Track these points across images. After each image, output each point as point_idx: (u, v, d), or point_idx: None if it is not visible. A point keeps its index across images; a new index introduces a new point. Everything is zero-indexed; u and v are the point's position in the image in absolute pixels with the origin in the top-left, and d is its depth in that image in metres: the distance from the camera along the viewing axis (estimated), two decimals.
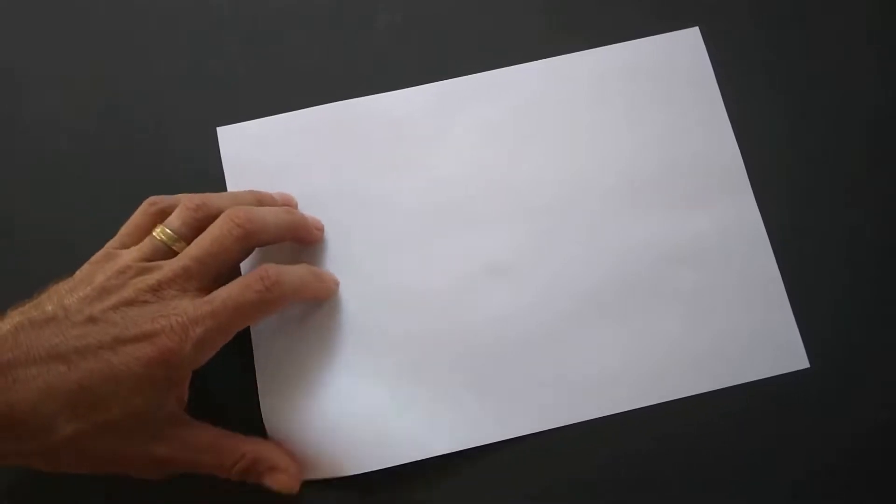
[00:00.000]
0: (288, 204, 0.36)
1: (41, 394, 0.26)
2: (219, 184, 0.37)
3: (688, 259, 0.33)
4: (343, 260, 0.35)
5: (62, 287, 0.29)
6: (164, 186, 0.34)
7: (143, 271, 0.29)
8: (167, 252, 0.31)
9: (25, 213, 0.37)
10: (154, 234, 0.31)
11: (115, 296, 0.29)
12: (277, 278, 0.30)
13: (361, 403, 0.32)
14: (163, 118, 0.38)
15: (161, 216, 0.32)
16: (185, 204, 0.32)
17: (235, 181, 0.36)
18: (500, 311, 0.33)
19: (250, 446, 0.31)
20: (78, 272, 0.30)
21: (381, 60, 0.38)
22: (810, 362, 0.33)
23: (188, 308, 0.28)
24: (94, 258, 0.31)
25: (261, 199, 0.35)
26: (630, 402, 0.32)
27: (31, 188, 0.37)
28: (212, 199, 0.33)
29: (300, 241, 0.35)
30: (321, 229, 0.35)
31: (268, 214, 0.32)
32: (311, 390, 0.32)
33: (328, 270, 0.34)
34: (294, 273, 0.32)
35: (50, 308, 0.28)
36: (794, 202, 0.35)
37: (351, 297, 0.34)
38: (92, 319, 0.28)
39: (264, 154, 0.36)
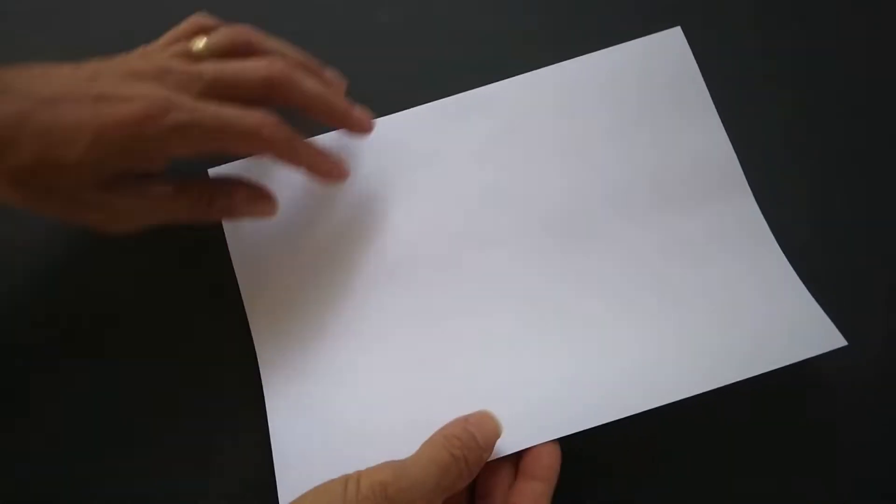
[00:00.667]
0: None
1: (15, 117, 0.28)
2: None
3: (696, 257, 0.34)
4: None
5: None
6: None
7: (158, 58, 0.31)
8: (193, 59, 0.32)
9: None
10: (193, 41, 0.32)
11: (123, 66, 0.31)
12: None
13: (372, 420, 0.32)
14: None
15: (202, 31, 0.34)
16: (237, 30, 0.33)
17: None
18: (520, 317, 0.33)
19: (217, 184, 0.34)
20: None
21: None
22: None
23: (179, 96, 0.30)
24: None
25: (314, 70, 0.35)
26: (663, 398, 0.30)
27: None
28: (263, 40, 0.33)
29: (333, 120, 0.35)
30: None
31: (308, 80, 0.32)
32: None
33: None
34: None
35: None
36: (786, 194, 0.36)
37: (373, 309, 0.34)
38: (94, 76, 0.30)
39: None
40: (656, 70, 0.36)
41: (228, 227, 0.36)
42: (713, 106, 0.36)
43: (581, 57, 0.37)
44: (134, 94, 0.29)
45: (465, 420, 0.29)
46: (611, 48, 0.37)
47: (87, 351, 0.35)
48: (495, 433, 0.29)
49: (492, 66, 0.37)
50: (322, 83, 0.34)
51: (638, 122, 0.36)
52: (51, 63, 0.30)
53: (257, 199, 0.34)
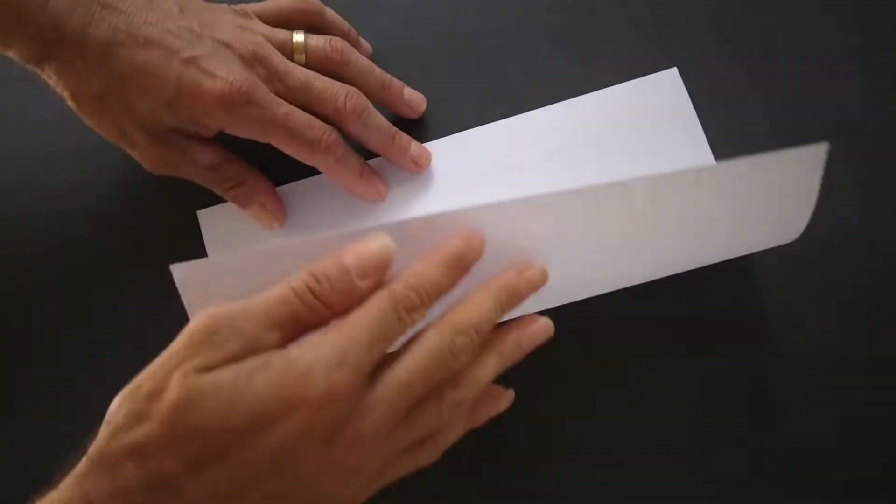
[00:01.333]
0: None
1: (106, 44, 0.30)
2: None
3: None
4: None
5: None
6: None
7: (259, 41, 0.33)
8: (287, 53, 0.34)
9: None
10: (293, 34, 0.35)
11: (225, 30, 0.32)
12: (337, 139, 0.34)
13: None
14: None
15: (305, 18, 0.36)
16: (336, 45, 0.35)
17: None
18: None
19: (246, 177, 0.35)
20: None
21: None
22: None
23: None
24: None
25: (395, 94, 0.38)
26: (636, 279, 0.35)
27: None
28: (357, 61, 0.36)
29: (387, 157, 0.37)
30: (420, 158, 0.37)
31: (376, 120, 0.36)
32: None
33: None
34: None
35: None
36: None
37: None
38: (198, 31, 0.32)
39: (247, 232, 0.37)
40: (654, 106, 0.39)
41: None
42: (704, 137, 0.38)
43: (586, 95, 0.39)
44: (220, 74, 0.31)
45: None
46: (613, 87, 0.39)
47: None
48: (370, 254, 0.25)
49: (504, 105, 0.40)
50: (385, 124, 0.36)
51: (636, 151, 0.38)
52: None
53: (268, 213, 0.36)
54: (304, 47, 0.34)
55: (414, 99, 0.39)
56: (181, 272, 0.28)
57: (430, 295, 0.26)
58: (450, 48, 0.41)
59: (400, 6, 0.42)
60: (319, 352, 0.23)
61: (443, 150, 0.38)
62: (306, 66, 0.34)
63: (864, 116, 0.39)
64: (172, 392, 0.22)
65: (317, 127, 0.33)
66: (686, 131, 0.38)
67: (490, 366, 0.28)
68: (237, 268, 0.28)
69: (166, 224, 0.39)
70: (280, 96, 0.33)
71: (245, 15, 0.35)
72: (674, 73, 0.39)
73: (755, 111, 0.39)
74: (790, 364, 0.36)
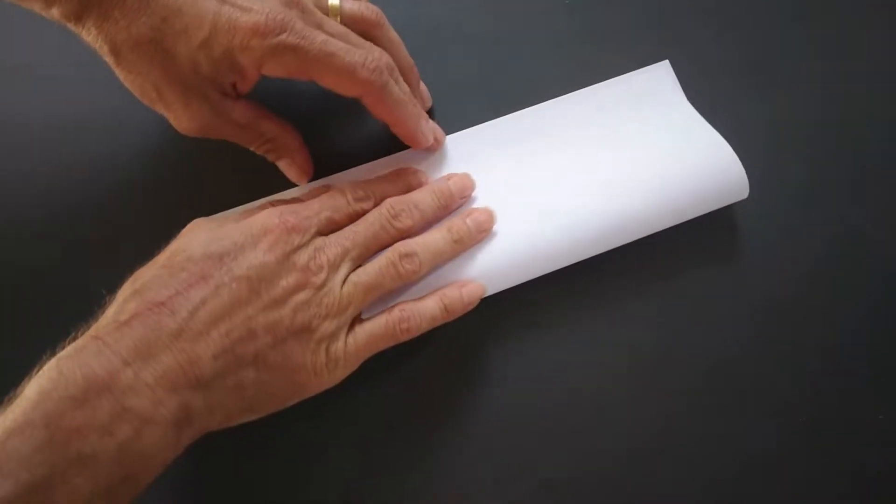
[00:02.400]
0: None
1: None
2: None
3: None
4: None
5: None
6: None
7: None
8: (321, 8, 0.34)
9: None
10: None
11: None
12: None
13: None
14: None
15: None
16: (373, 9, 0.35)
17: None
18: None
19: (278, 133, 0.35)
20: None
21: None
22: None
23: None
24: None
25: (414, 81, 0.38)
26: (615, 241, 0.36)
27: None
28: (387, 32, 0.36)
29: (402, 134, 0.36)
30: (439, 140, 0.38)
31: (397, 88, 0.34)
32: None
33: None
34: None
35: None
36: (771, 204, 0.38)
37: None
38: None
39: None
40: (648, 97, 0.40)
41: None
42: (701, 117, 0.39)
43: (588, 87, 0.40)
44: (255, 7, 0.31)
45: None
46: (612, 79, 0.40)
47: None
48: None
49: (508, 98, 0.40)
50: (407, 95, 0.35)
51: (636, 136, 0.38)
52: None
53: (298, 168, 0.37)
54: (340, 10, 0.34)
55: (426, 93, 0.39)
56: None
57: (374, 190, 0.35)
58: (452, 48, 0.42)
59: (402, 8, 0.42)
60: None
61: (453, 145, 0.39)
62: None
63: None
64: (172, 243, 0.31)
65: (357, 50, 0.32)
66: (682, 120, 0.39)
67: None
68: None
69: (161, 233, 0.38)
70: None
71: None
72: (665, 65, 0.40)
73: (752, 108, 0.40)
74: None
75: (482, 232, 0.35)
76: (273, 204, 0.34)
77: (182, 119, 0.33)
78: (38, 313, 0.37)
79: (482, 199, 0.37)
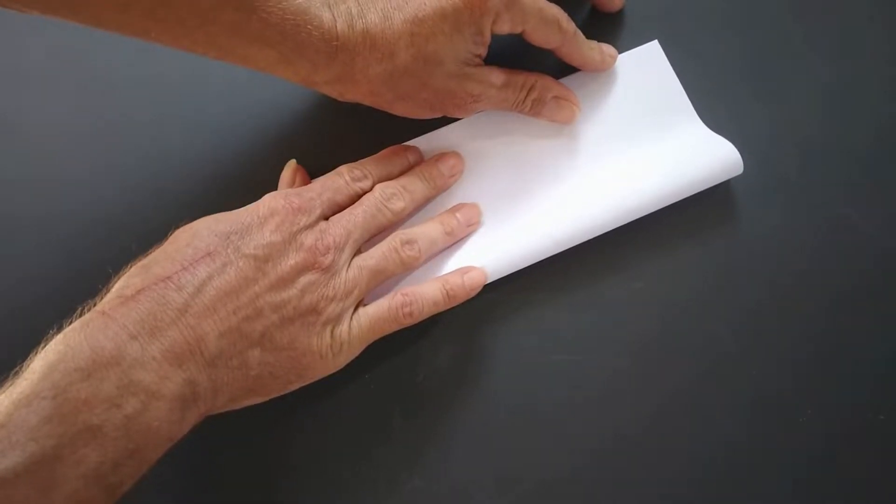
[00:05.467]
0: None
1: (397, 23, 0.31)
2: None
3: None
4: None
5: None
6: None
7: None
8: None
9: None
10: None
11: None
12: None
13: None
14: None
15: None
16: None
17: None
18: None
19: (536, 78, 0.37)
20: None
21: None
22: None
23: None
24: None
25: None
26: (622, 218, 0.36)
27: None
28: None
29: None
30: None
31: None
32: None
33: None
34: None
35: None
36: (761, 182, 0.38)
37: None
38: None
39: None
40: (639, 78, 0.40)
41: None
42: (690, 104, 0.39)
43: (578, 73, 0.40)
44: None
45: None
46: None
47: None
48: None
49: None
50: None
51: (628, 120, 0.39)
52: None
53: (566, 103, 0.38)
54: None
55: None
56: None
57: (370, 170, 0.36)
58: None
59: None
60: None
61: (446, 136, 0.39)
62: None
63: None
64: (182, 226, 0.31)
65: (554, 5, 0.34)
66: (672, 100, 0.39)
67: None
68: None
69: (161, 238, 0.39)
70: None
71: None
72: (655, 45, 0.40)
73: (743, 87, 0.40)
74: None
75: (471, 225, 0.37)
76: None
77: (459, 108, 0.36)
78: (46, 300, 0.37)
79: (477, 186, 0.38)
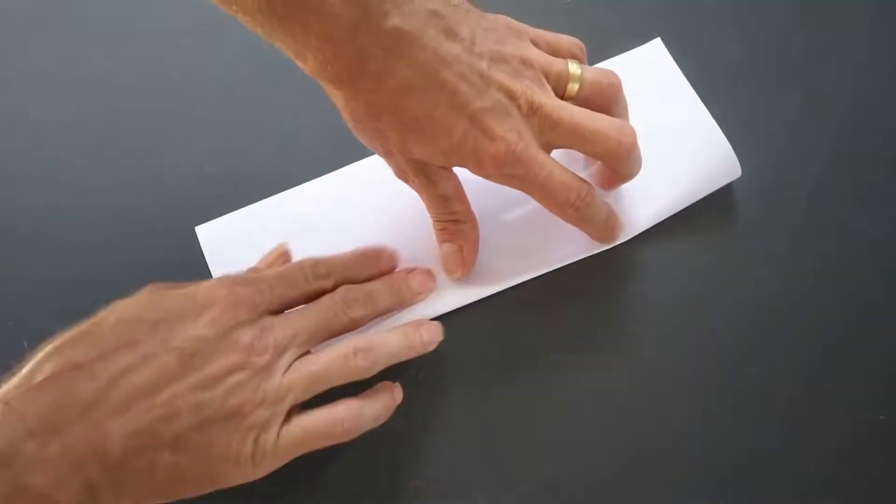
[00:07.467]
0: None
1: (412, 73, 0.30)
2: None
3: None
4: None
5: None
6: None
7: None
8: (562, 84, 0.33)
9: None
10: (569, 64, 0.33)
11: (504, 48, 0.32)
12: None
13: None
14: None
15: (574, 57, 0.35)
16: (610, 78, 0.34)
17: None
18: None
19: (466, 219, 0.35)
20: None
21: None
22: None
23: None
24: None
25: None
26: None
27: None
28: (620, 98, 0.35)
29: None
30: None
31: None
32: None
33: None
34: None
35: None
36: (762, 183, 0.38)
37: None
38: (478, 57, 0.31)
39: (248, 244, 0.37)
40: (644, 76, 0.39)
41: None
42: (697, 97, 0.39)
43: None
44: (499, 134, 0.31)
45: None
46: (605, 62, 0.40)
47: None
48: None
49: None
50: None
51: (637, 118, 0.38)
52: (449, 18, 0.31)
53: (460, 260, 0.36)
54: (580, 79, 0.33)
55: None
56: (204, 231, 0.38)
57: (335, 269, 0.33)
58: None
59: None
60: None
61: None
62: (577, 95, 0.34)
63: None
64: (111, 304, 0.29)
65: (572, 189, 0.33)
66: (679, 94, 0.39)
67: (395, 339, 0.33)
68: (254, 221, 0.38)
69: (162, 240, 0.39)
70: (548, 143, 0.33)
71: (521, 37, 0.34)
72: (657, 43, 0.40)
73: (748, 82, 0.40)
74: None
75: (431, 344, 0.34)
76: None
77: (398, 171, 0.35)
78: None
79: (474, 190, 0.37)
